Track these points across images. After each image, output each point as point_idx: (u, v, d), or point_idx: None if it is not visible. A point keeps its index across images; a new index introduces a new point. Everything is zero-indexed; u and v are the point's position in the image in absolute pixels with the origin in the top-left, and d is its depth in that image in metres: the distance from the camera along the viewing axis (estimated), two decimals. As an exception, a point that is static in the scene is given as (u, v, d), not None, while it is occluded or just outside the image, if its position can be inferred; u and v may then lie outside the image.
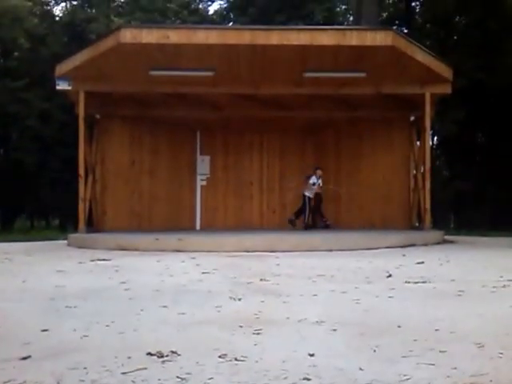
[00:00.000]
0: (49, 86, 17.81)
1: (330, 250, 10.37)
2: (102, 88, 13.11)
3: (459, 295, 5.07)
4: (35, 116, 25.94)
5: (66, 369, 2.82)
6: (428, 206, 13.10)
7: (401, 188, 15.32)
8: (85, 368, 2.84)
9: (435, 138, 25.28)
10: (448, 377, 2.64)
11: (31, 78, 26.19)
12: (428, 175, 13.16)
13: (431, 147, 14.31)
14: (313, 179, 14.70)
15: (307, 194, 14.71)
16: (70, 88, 12.94)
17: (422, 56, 12.28)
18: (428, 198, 13.09)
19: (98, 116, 14.38)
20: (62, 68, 12.71)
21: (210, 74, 12.56)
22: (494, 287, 5.51)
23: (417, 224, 14.44)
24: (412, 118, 14.73)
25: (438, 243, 12.10)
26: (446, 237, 13.03)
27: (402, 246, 11.03)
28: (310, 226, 14.64)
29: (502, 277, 6.19)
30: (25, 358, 3.05)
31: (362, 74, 12.58)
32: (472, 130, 23.51)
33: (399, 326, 3.76)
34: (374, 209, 15.42)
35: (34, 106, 25.72)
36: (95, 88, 13.01)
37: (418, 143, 14.61)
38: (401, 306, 4.61)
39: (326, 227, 14.83)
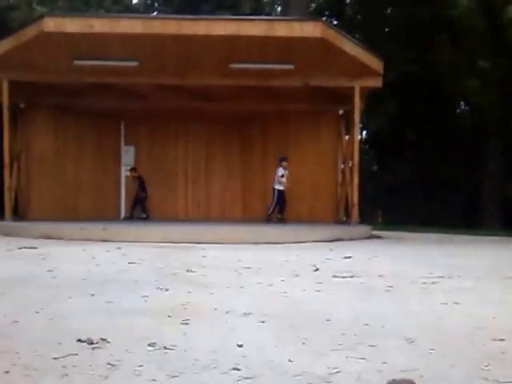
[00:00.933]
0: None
1: (257, 243, 10.37)
2: (26, 77, 12.86)
3: (388, 290, 5.10)
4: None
5: (-3, 354, 2.80)
6: (356, 200, 13.18)
7: (328, 182, 15.37)
8: (16, 353, 2.80)
9: (364, 132, 25.67)
10: (379, 371, 2.65)
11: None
12: (356, 170, 13.22)
13: (360, 141, 14.49)
14: (280, 171, 14.42)
15: (277, 187, 14.50)
16: None
17: (351, 48, 12.28)
18: (356, 192, 13.18)
19: (22, 105, 14.11)
20: (-15, 56, 12.41)
21: (134, 63, 12.43)
22: (423, 283, 5.55)
23: (344, 219, 14.51)
24: (341, 112, 14.73)
25: (366, 238, 12.22)
26: (374, 232, 13.16)
27: (329, 241, 11.11)
28: (270, 220, 14.51)
29: (431, 273, 6.26)
30: None
31: (290, 66, 12.53)
32: (402, 125, 23.95)
33: (328, 320, 3.76)
34: (300, 203, 15.40)
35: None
36: (19, 77, 12.78)
37: (347, 137, 14.59)
38: (329, 299, 4.61)
39: (282, 222, 14.53)
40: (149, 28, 11.56)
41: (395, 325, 3.70)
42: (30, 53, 12.02)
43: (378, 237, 12.74)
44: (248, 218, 15.78)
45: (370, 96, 14.98)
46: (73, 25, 11.40)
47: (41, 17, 11.82)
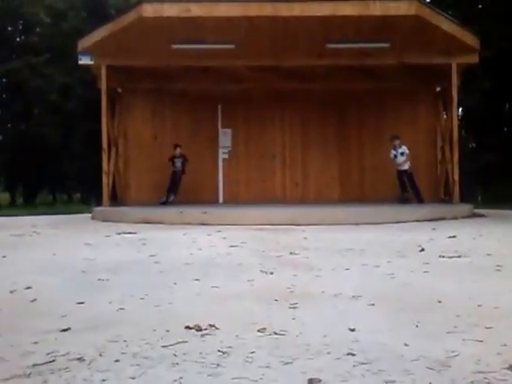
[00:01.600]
0: (70, 60, 17.82)
1: (357, 224, 10.26)
2: (124, 62, 13.13)
3: (498, 270, 4.95)
4: (56, 91, 26.00)
5: (107, 341, 2.84)
6: (456, 178, 12.93)
7: (427, 160, 15.08)
8: (125, 341, 2.84)
9: (460, 109, 24.90)
10: (498, 354, 2.57)
11: (52, 53, 26.20)
12: (456, 147, 12.96)
13: (457, 118, 14.03)
14: (392, 152, 13.87)
15: (403, 168, 13.91)
16: (92, 62, 12.97)
17: (447, 25, 12.03)
18: (456, 170, 12.93)
19: (119, 90, 14.42)
20: (84, 43, 12.74)
21: (231, 46, 12.48)
22: None
23: (445, 197, 14.19)
24: (438, 89, 14.46)
25: (468, 217, 11.89)
26: (476, 210, 12.80)
27: (430, 220, 10.86)
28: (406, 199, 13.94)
29: None
30: (65, 330, 3.07)
31: (386, 45, 12.39)
32: (498, 101, 23.07)
33: (439, 302, 3.67)
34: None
35: (55, 81, 25.76)
36: (117, 62, 13.05)
37: (445, 114, 14.33)
38: (438, 280, 4.51)
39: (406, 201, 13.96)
40: (245, 11, 11.56)
41: (510, 305, 3.59)
42: (128, 38, 12.24)
43: (481, 215, 12.37)
44: (345, 198, 15.56)
45: (466, 73, 14.50)
46: (171, 9, 11.52)
47: (139, 2, 11.94)
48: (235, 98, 16.05)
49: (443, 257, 5.79)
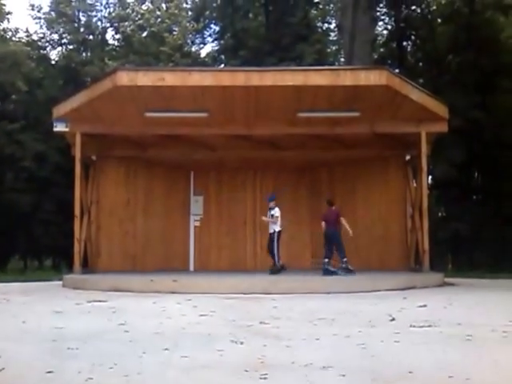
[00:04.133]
0: (44, 128, 17.92)
1: (329, 293, 10.17)
2: (99, 129, 13.19)
3: (468, 340, 4.96)
4: (30, 158, 26.01)
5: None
6: (426, 247, 12.86)
7: (398, 228, 15.11)
8: None
9: (430, 178, 25.38)
10: None
11: (27, 121, 26.35)
12: (426, 215, 12.97)
13: (426, 186, 14.17)
14: (268, 214, 13.29)
15: (272, 229, 13.21)
16: (67, 130, 13.00)
17: (416, 94, 12.26)
18: (426, 238, 12.88)
19: (93, 157, 14.43)
20: (60, 110, 12.81)
21: (204, 115, 12.57)
22: (504, 332, 5.38)
23: (415, 266, 14.12)
24: (408, 157, 14.62)
25: (439, 285, 11.88)
26: (446, 279, 12.79)
27: (401, 289, 10.80)
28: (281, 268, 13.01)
29: (511, 321, 6.07)
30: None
31: (356, 114, 12.53)
32: (469, 170, 23.60)
33: (411, 372, 3.66)
34: (370, 250, 15.11)
35: (29, 148, 25.81)
36: (92, 129, 13.10)
37: (415, 183, 14.44)
38: (409, 351, 4.51)
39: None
40: (218, 80, 11.71)
41: (480, 377, 3.57)
42: (103, 106, 12.33)
43: (451, 284, 12.41)
44: (317, 266, 15.45)
45: (435, 142, 14.70)
46: (145, 78, 11.62)
47: (114, 70, 12.12)
48: (208, 165, 16.17)
49: (414, 326, 5.79)
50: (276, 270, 12.97)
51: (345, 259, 12.75)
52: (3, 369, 3.82)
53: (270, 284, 10.77)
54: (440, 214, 26.65)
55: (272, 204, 13.38)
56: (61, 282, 12.87)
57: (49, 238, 26.35)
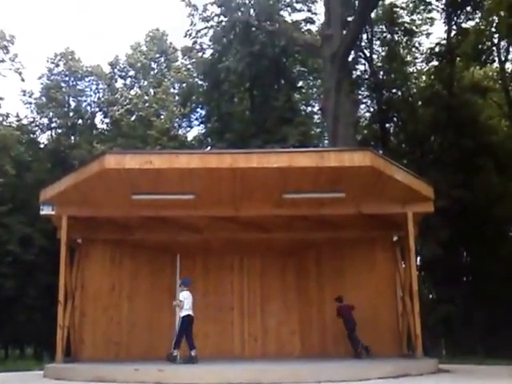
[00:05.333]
0: (31, 211, 17.91)
1: (319, 382, 9.82)
2: (85, 212, 13.13)
3: None
4: (16, 241, 25.84)
5: None
6: (419, 331, 12.58)
7: (388, 312, 14.87)
8: None
9: (418, 259, 25.33)
10: None
11: (14, 204, 26.36)
12: (416, 299, 12.75)
13: (416, 267, 14.02)
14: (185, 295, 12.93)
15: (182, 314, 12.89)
16: (53, 213, 12.95)
17: (401, 175, 12.29)
18: (418, 322, 12.61)
19: (79, 240, 14.33)
20: (47, 193, 12.78)
21: (190, 197, 12.55)
22: None
23: (408, 351, 13.84)
24: (395, 238, 14.54)
25: (433, 373, 11.48)
26: (440, 365, 12.40)
27: (394, 377, 10.42)
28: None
29: None
30: None
31: (341, 195, 12.48)
32: (456, 249, 23.66)
33: None
34: (360, 335, 14.40)
35: (15, 231, 25.69)
36: (78, 212, 13.05)
37: (403, 264, 14.29)
38: None
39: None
40: (205, 163, 11.70)
41: None
42: (90, 188, 12.32)
43: (446, 371, 11.97)
44: (307, 353, 15.21)
45: (422, 222, 14.64)
46: (132, 161, 11.60)
47: (102, 154, 12.18)
48: (194, 248, 16.03)
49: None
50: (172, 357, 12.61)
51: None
52: None
53: (258, 373, 10.34)
54: (430, 296, 26.42)
55: (182, 288, 13.19)
56: (42, 372, 12.52)
57: (32, 325, 25.95)
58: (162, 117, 33.18)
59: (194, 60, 35.14)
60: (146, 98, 33.68)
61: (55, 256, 13.40)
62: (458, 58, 27.87)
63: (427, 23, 31.66)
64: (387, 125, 30.49)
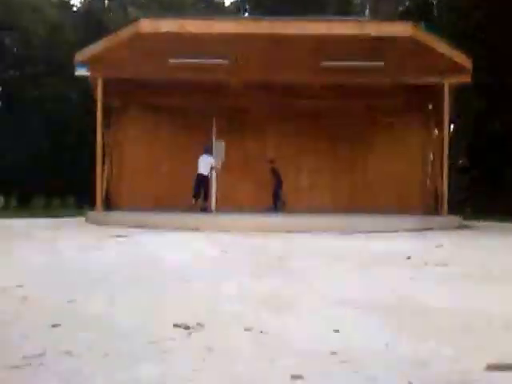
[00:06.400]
0: (68, 72, 17.93)
1: (346, 233, 10.31)
2: (120, 75, 13.23)
3: (483, 279, 5.01)
4: (55, 100, 26.19)
5: (96, 337, 2.91)
6: (445, 191, 13.08)
7: (418, 175, 15.50)
8: (113, 338, 2.93)
9: (451, 126, 25.22)
10: (476, 356, 2.63)
11: (50, 66, 26.42)
12: (446, 162, 13.15)
13: (448, 135, 14.27)
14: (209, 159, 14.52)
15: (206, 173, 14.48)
16: (88, 74, 13.07)
17: (440, 46, 12.23)
18: (445, 184, 13.09)
19: (115, 102, 14.54)
20: (82, 55, 12.85)
21: (226, 62, 12.63)
22: None
23: (435, 210, 14.24)
24: (430, 107, 14.74)
25: (456, 228, 12.03)
26: (464, 222, 12.92)
27: (419, 230, 10.96)
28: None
29: None
30: (55, 326, 3.14)
31: (380, 64, 12.55)
32: (490, 119, 23.25)
33: (425, 309, 3.72)
34: (390, 195, 15.37)
35: (52, 91, 25.95)
36: (113, 75, 13.14)
37: (436, 131, 14.59)
38: (424, 288, 4.57)
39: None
40: (242, 28, 11.75)
41: (498, 313, 3.62)
42: (125, 52, 12.36)
43: (468, 227, 12.50)
44: (336, 208, 15.62)
45: (459, 91, 14.60)
46: (168, 25, 11.66)
47: (137, 19, 12.10)
48: (230, 112, 16.06)
49: (430, 265, 5.86)
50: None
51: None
52: (26, 298, 3.95)
53: (291, 223, 11.05)
54: (460, 162, 26.49)
55: (208, 153, 14.58)
56: (84, 219, 13.17)
57: (73, 176, 26.78)
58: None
59: None
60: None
61: (93, 116, 13.63)
62: None
63: None
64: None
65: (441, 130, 13.78)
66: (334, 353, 2.65)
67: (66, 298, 3.92)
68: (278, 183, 15.69)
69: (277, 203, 15.65)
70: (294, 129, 16.31)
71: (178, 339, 2.88)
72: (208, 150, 14.55)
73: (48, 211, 20.01)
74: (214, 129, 15.47)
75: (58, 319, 3.27)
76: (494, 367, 2.42)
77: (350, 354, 2.63)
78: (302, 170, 16.47)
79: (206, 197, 14.51)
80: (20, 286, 4.36)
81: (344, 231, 10.45)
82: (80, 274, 5.15)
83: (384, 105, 15.15)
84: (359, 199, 15.90)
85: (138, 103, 15.15)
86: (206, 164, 14.32)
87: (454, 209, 14.85)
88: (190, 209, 13.72)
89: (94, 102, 13.53)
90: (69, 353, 2.63)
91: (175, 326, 3.13)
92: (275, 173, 15.67)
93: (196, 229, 10.57)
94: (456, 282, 4.85)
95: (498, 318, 3.46)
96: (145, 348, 2.73)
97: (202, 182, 14.32)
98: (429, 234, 10.46)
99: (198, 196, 14.31)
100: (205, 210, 14.22)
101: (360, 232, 10.43)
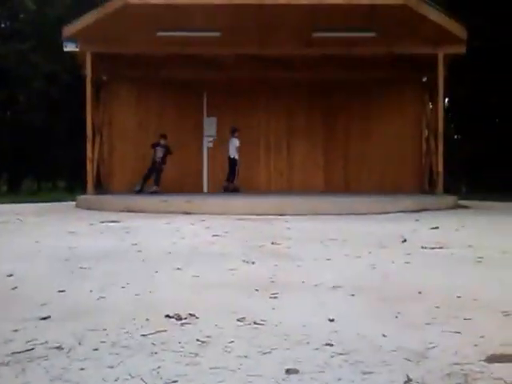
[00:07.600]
0: (55, 48, 17.66)
1: (340, 214, 10.26)
2: (110, 49, 13.04)
3: (479, 261, 4.96)
4: (42, 78, 25.80)
5: (86, 330, 2.82)
6: (441, 169, 12.91)
7: (413, 151, 15.29)
8: (104, 329, 2.82)
9: (446, 100, 24.93)
10: (476, 345, 2.57)
11: (37, 41, 26.00)
12: (441, 138, 12.96)
13: (443, 109, 14.09)
14: (236, 142, 15.00)
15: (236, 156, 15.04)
16: (77, 49, 12.87)
17: (434, 15, 12.03)
18: (441, 161, 12.91)
19: (104, 78, 14.35)
20: (70, 30, 12.63)
21: (216, 34, 12.45)
22: None
23: (429, 188, 14.28)
24: (424, 79, 14.59)
25: (452, 208, 11.91)
26: (460, 202, 12.79)
27: (414, 211, 10.85)
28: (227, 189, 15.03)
29: None
30: (44, 318, 3.06)
31: (372, 34, 12.39)
32: (486, 92, 23.06)
33: (420, 293, 3.69)
34: (384, 172, 15.27)
35: (41, 68, 25.56)
36: (102, 49, 12.94)
37: (431, 105, 14.41)
38: (419, 271, 4.54)
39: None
40: (232, -1, 11.44)
41: (488, 297, 3.60)
42: (114, 25, 12.15)
43: (465, 207, 12.40)
44: (330, 188, 15.57)
45: (453, 63, 14.44)
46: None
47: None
48: (221, 86, 15.90)
49: (425, 248, 5.81)
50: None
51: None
52: (16, 287, 3.89)
53: (283, 205, 10.87)
54: (456, 137, 26.32)
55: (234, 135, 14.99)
56: (74, 203, 13.03)
57: (63, 159, 26.52)
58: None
59: None
60: None
61: (81, 94, 13.45)
62: None
63: None
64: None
65: (435, 103, 13.61)
66: (329, 344, 2.59)
67: (56, 287, 3.86)
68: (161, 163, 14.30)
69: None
70: (287, 102, 16.17)
71: (170, 331, 2.82)
72: (233, 132, 14.93)
73: (38, 195, 19.91)
74: (205, 104, 15.36)
75: (48, 311, 3.21)
76: (494, 358, 2.36)
77: (346, 346, 2.57)
78: (294, 147, 16.31)
79: (233, 178, 14.98)
80: (10, 275, 4.29)
81: (336, 213, 10.38)
82: (69, 261, 5.08)
83: (377, 77, 14.97)
84: (352, 178, 15.82)
85: (127, 78, 15.01)
86: (233, 146, 14.84)
87: (450, 187, 14.77)
88: (225, 190, 14.58)
89: (83, 78, 13.38)
90: (58, 347, 2.56)
91: (167, 316, 3.07)
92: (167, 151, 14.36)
93: (186, 212, 10.47)
94: (452, 266, 4.81)
95: (496, 303, 3.40)
96: (137, 341, 2.66)
97: (234, 164, 14.95)
98: (424, 215, 10.36)
99: (232, 179, 15.01)
100: (236, 190, 14.93)
101: (353, 214, 10.36)
